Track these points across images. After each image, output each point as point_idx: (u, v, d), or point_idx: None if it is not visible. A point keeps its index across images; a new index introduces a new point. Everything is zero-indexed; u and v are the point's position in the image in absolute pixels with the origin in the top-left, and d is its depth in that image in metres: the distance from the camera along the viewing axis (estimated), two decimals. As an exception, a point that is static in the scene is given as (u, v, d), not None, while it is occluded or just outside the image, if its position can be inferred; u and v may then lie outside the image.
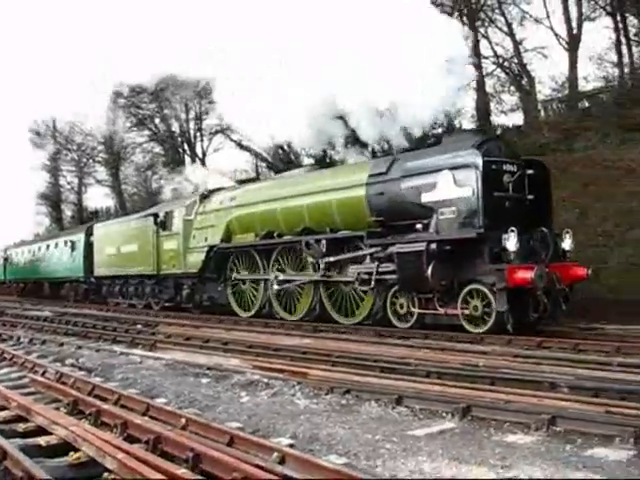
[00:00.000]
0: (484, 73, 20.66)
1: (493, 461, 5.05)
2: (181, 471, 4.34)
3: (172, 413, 6.15)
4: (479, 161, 11.78)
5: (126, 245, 22.62)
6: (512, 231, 11.33)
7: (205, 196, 19.34)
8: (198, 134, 39.28)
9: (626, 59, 18.71)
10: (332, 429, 6.11)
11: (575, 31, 19.09)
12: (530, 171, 12.48)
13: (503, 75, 20.26)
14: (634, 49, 18.15)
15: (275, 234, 16.12)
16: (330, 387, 7.63)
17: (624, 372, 7.91)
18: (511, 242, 11.36)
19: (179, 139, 39.77)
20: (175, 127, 39.14)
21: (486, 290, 11.51)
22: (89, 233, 26.69)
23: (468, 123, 21.69)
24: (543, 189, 12.70)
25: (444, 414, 6.41)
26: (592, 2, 18.01)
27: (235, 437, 5.28)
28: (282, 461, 4.72)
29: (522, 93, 20.44)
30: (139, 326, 15.90)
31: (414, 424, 6.24)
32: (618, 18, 19.22)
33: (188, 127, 38.99)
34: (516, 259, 11.37)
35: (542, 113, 20.14)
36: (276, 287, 15.77)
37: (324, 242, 14.43)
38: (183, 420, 5.82)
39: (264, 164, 33.21)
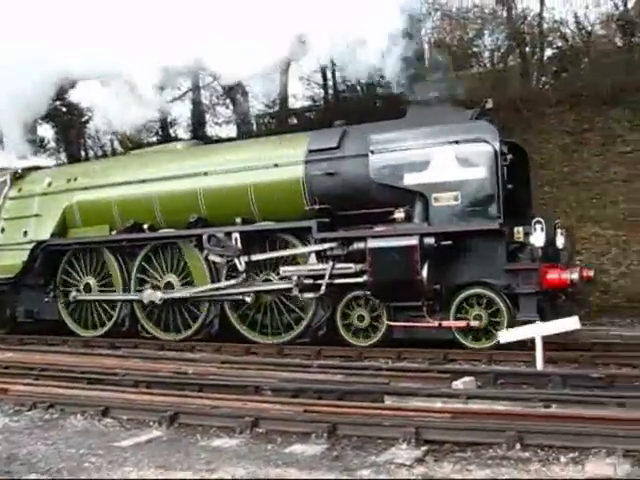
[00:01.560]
0: (200, 85, 21.09)
1: (199, 466, 5.17)
2: None
3: None
4: (496, 135, 9.76)
5: None
6: (539, 223, 9.43)
7: (19, 176, 14.42)
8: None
9: (330, 82, 20.42)
10: (33, 446, 5.77)
11: (288, 52, 20.35)
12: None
13: (219, 88, 20.84)
14: (337, 73, 19.92)
15: (145, 227, 12.35)
16: (33, 402, 7.18)
17: (322, 373, 8.59)
18: (538, 236, 9.40)
19: None
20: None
21: (493, 295, 9.64)
22: None
23: (184, 132, 21.90)
24: (522, 177, 10.69)
25: (152, 423, 6.39)
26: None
27: None
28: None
29: (236, 106, 21.23)
30: None
31: (121, 435, 6.14)
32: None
33: None
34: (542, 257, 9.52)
35: (255, 127, 21.10)
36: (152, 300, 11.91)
37: (237, 236, 11.16)
38: None
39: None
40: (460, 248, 9.73)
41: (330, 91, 20.34)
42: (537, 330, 8.26)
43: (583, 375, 7.74)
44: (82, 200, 13.15)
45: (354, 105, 18.28)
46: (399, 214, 10.10)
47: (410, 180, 10.06)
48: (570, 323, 8.34)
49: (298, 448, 5.54)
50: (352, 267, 10.25)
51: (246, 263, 11.13)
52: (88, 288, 12.88)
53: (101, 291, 12.76)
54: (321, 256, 10.67)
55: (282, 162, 11.12)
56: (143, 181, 12.41)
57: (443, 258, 9.75)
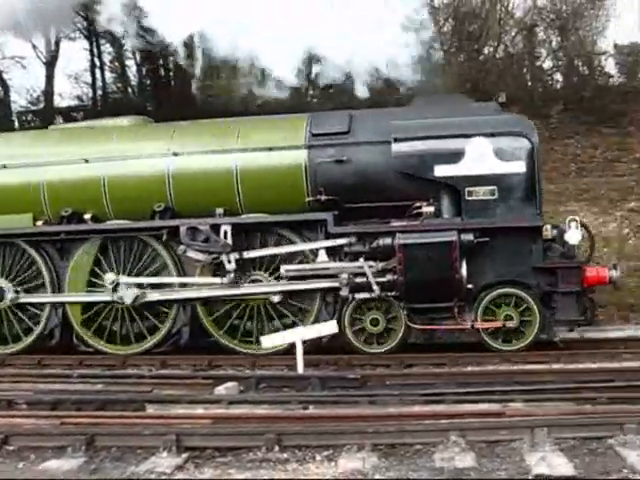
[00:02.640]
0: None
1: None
2: None
3: None
4: (534, 130, 9.57)
5: None
6: (573, 220, 9.33)
7: None
8: None
9: (99, 82, 19.74)
10: None
11: (53, 47, 19.28)
12: None
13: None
14: (107, 74, 19.34)
15: (88, 217, 10.32)
16: None
17: (83, 383, 8.27)
18: (573, 234, 9.23)
19: None
20: None
21: (524, 294, 9.31)
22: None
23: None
24: None
25: None
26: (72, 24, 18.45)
27: None
28: None
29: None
30: None
31: None
32: (94, 42, 20.14)
33: None
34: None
35: (17, 124, 19.71)
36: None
37: (228, 229, 9.67)
38: None
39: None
40: (491, 245, 9.30)
41: (99, 92, 19.64)
42: (298, 335, 8.64)
43: (341, 377, 8.23)
44: None
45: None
46: (428, 208, 9.40)
47: (441, 172, 9.36)
48: (328, 328, 8.85)
49: (53, 464, 5.26)
50: (375, 265, 9.40)
51: (236, 261, 9.74)
52: None
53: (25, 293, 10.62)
54: (334, 253, 9.73)
55: (277, 145, 9.89)
56: (85, 161, 10.37)
57: (483, 256, 9.32)
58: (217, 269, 9.97)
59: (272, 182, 9.81)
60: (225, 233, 9.67)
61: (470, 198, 9.30)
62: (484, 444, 5.44)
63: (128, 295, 9.98)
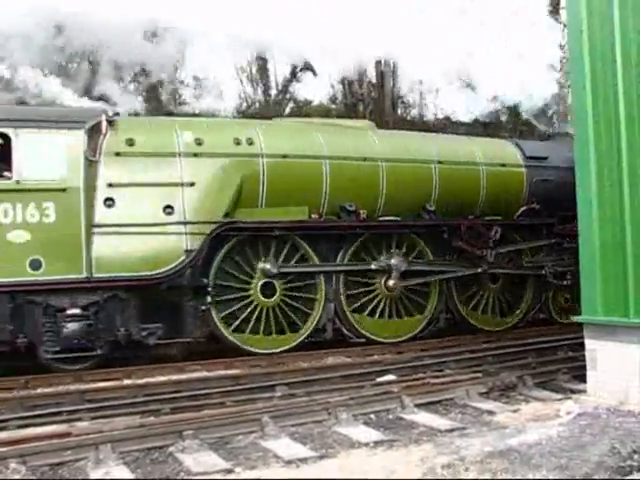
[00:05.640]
0: None
1: None
2: None
3: None
4: None
5: None
6: None
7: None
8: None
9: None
10: None
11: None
12: None
13: None
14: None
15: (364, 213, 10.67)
16: None
17: None
18: None
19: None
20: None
21: None
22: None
23: None
24: None
25: None
26: None
27: None
28: None
29: None
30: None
31: None
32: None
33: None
34: None
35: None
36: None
37: (499, 228, 11.63)
38: None
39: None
40: None
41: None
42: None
43: None
44: (274, 172, 10.12)
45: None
46: None
47: None
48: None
49: None
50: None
51: (495, 255, 11.63)
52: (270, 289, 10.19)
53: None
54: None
55: (508, 163, 12.31)
56: (364, 159, 10.80)
57: None
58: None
59: (504, 192, 12.11)
60: (496, 232, 11.59)
61: None
62: (47, 467, 5.33)
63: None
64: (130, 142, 9.52)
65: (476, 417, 6.70)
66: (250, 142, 10.14)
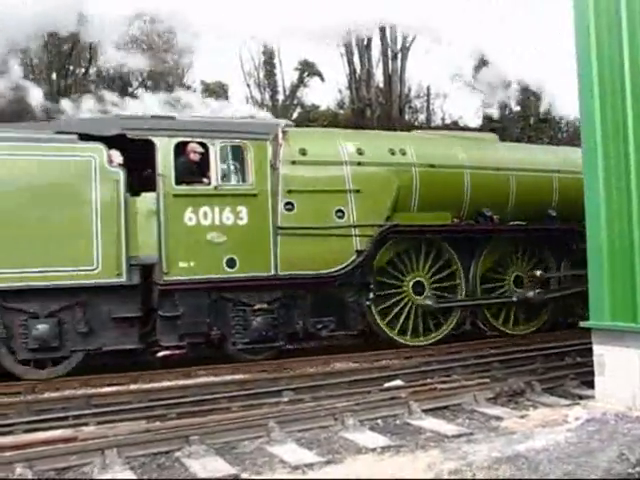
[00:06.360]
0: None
1: None
2: None
3: None
4: None
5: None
6: None
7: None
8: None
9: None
10: None
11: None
12: None
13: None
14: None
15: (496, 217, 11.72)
16: None
17: None
18: None
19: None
20: None
21: None
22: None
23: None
24: None
25: None
26: None
27: None
28: None
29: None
30: None
31: None
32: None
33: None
34: None
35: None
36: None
37: None
38: None
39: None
40: None
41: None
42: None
43: None
44: (424, 180, 11.18)
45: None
46: None
47: None
48: None
49: None
50: None
51: None
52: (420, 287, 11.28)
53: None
54: None
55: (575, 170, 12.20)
56: (497, 169, 11.87)
57: None
58: None
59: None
60: None
61: None
62: (54, 472, 5.33)
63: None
64: (303, 151, 10.47)
65: (483, 423, 6.66)
66: (403, 152, 11.18)
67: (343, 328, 10.70)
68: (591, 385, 7.09)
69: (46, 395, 8.53)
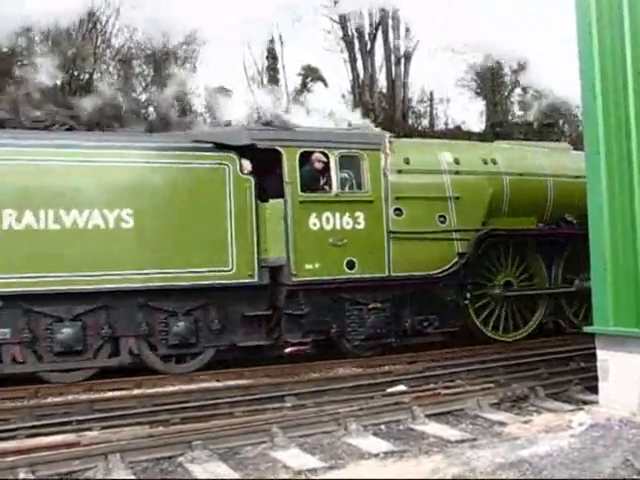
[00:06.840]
0: None
1: None
2: None
3: None
4: None
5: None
6: None
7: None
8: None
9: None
10: None
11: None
12: None
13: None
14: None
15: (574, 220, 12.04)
16: None
17: None
18: None
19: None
20: None
21: None
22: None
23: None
24: None
25: None
26: None
27: None
28: None
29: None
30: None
31: None
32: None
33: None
34: None
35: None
36: None
37: None
38: None
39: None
40: None
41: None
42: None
43: None
44: (513, 187, 11.89)
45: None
46: None
47: None
48: None
49: None
50: None
51: None
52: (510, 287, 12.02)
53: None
54: None
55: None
56: (575, 177, 11.61)
57: None
58: None
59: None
60: None
61: None
62: (56, 477, 5.33)
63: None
64: (407, 161, 11.15)
65: (487, 428, 6.64)
66: (494, 162, 11.89)
67: (444, 326, 11.32)
68: (595, 390, 7.06)
69: (49, 400, 8.51)
